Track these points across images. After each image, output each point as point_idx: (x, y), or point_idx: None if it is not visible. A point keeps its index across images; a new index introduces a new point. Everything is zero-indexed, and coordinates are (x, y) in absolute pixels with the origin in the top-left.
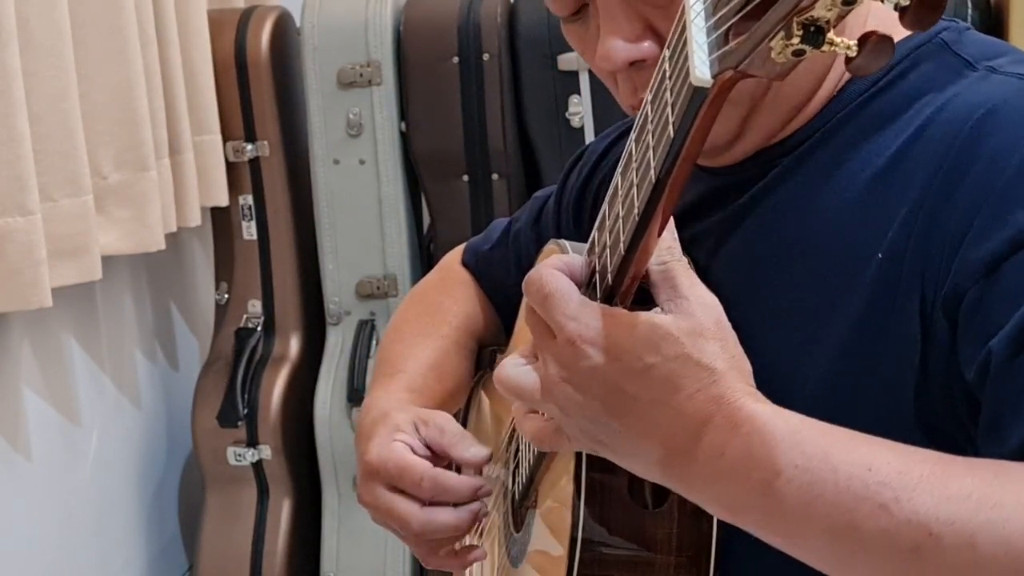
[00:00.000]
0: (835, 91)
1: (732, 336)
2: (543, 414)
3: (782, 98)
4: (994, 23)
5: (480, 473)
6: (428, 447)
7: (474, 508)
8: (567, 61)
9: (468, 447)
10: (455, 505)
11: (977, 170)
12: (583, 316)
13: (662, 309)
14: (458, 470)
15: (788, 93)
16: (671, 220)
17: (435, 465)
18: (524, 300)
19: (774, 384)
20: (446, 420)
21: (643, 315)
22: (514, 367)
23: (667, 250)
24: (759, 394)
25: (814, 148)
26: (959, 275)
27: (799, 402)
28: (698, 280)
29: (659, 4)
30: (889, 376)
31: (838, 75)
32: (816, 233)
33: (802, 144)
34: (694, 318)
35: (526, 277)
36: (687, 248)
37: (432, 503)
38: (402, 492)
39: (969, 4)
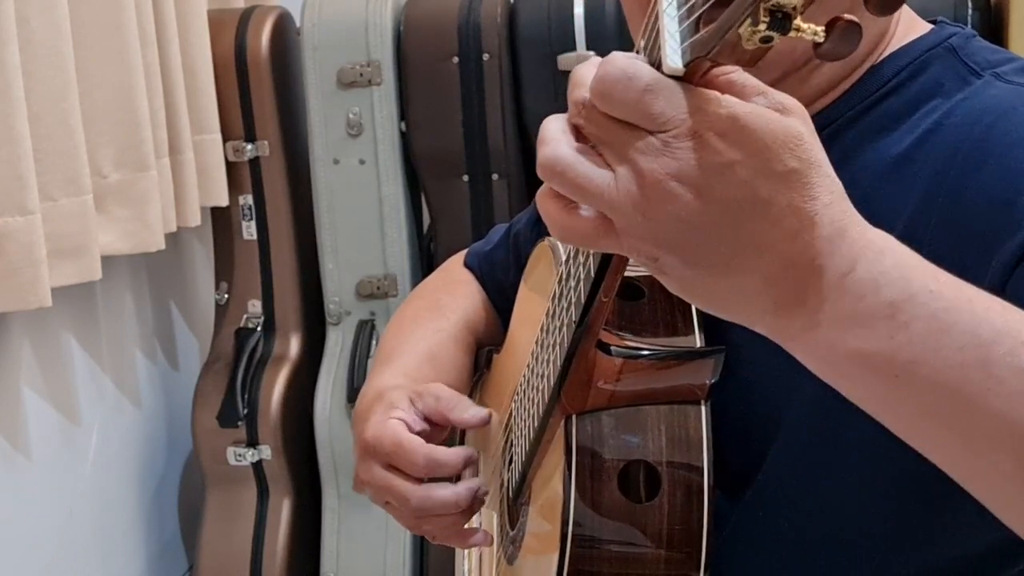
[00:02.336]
0: (853, 84)
1: None
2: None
3: (813, 79)
4: (994, 23)
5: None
6: (427, 419)
7: (471, 485)
8: (567, 61)
9: (466, 408)
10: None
11: (989, 173)
12: (709, 108)
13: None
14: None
15: (821, 74)
16: None
17: (433, 437)
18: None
19: (775, 384)
20: (440, 388)
21: (770, 111)
22: (576, 155)
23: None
24: None
25: (824, 144)
26: (1000, 268)
27: (797, 405)
28: None
29: None
30: None
31: (863, 69)
32: None
33: None
34: (807, 122)
35: (598, 74)
36: None
37: (429, 480)
38: (398, 470)
39: (969, 4)
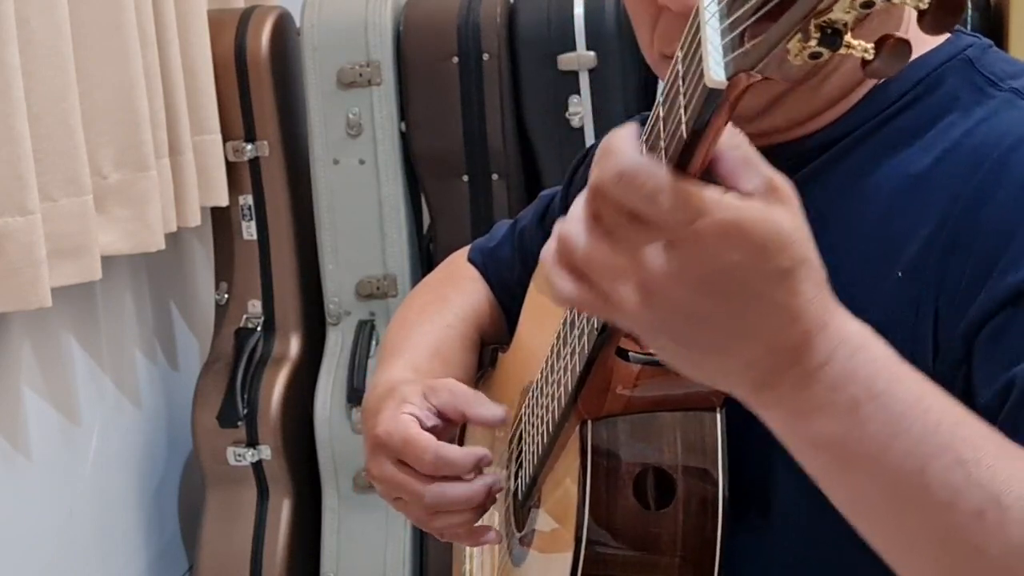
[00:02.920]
0: (865, 96)
1: None
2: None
3: (822, 89)
4: (994, 23)
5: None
6: (440, 414)
7: (488, 481)
8: (567, 61)
9: (483, 404)
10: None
11: (1004, 195)
12: (714, 211)
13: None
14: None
15: (831, 84)
16: None
17: (443, 434)
18: (551, 242)
19: None
20: (454, 383)
21: (769, 209)
22: (587, 239)
23: (735, 134)
24: None
25: (838, 157)
26: (988, 300)
27: None
28: None
29: None
30: None
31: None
32: (836, 246)
33: (826, 150)
34: (798, 213)
35: (611, 168)
36: None
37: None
38: (408, 466)
39: (969, 4)
